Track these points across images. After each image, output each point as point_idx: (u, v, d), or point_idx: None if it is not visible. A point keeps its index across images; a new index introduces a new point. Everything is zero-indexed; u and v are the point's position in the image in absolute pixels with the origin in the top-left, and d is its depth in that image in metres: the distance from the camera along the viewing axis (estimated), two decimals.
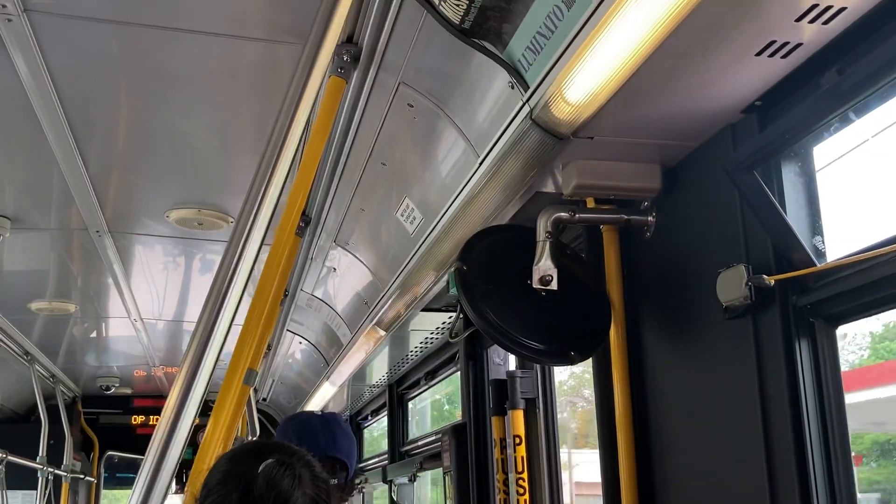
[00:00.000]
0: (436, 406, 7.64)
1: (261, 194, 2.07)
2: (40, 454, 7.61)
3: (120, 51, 3.01)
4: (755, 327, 2.26)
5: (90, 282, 5.80)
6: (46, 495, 7.86)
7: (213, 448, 2.42)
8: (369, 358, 6.03)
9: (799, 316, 2.19)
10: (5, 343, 6.59)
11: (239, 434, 5.17)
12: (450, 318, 4.80)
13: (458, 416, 5.76)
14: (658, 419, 2.70)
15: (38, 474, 7.68)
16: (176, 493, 2.00)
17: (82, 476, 9.22)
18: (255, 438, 5.34)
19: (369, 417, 8.48)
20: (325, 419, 2.92)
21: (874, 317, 2.20)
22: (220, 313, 1.95)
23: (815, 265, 2.15)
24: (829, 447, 2.10)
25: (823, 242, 2.23)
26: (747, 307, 2.23)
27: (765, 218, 2.22)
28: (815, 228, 2.25)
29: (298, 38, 2.82)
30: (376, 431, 8.71)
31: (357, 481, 2.93)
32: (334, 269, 5.15)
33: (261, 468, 1.77)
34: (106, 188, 4.08)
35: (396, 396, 6.98)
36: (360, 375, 6.86)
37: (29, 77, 2.98)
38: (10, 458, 6.43)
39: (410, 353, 6.00)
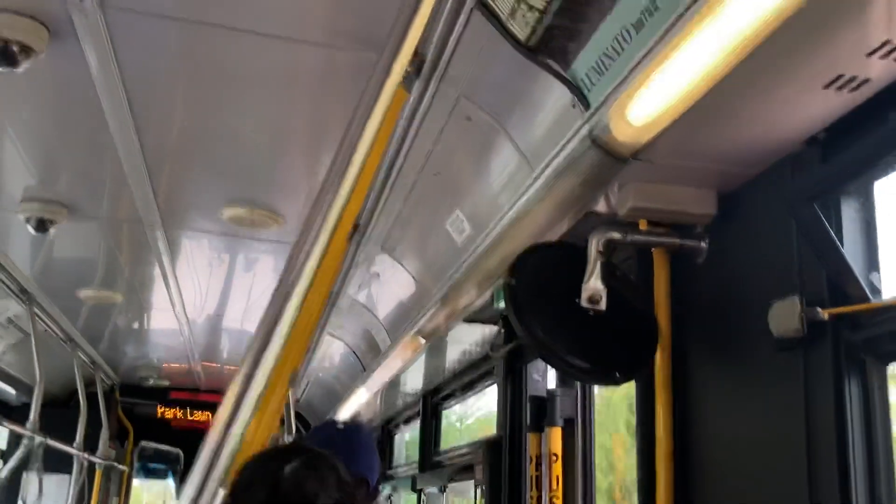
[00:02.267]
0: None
1: (328, 201, 2.10)
2: (77, 440, 7.70)
3: (185, 48, 3.06)
4: (805, 360, 2.24)
5: (137, 273, 5.88)
6: (81, 480, 7.96)
7: (254, 448, 2.44)
8: (407, 366, 6.04)
9: (850, 352, 2.17)
10: (50, 328, 6.69)
11: (275, 434, 5.20)
12: (490, 331, 4.80)
13: None
14: (699, 447, 2.68)
15: (74, 459, 7.78)
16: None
17: (116, 464, 9.33)
18: (290, 438, 5.37)
19: (401, 425, 8.49)
20: (347, 434, 2.92)
21: None
22: (282, 315, 1.98)
23: (870, 301, 2.13)
24: (875, 486, 2.08)
25: (880, 279, 2.20)
26: (799, 340, 2.21)
27: (821, 250, 2.20)
28: (872, 264, 2.23)
29: (360, 46, 2.85)
30: (408, 438, 8.73)
31: (384, 491, 2.94)
32: (378, 274, 5.18)
33: (287, 470, 1.80)
34: (161, 182, 4.14)
35: (430, 406, 6.98)
36: (395, 382, 6.88)
37: (98, 69, 3.04)
38: (48, 441, 6.52)
39: (448, 364, 6.01)
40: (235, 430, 1.87)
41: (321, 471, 1.84)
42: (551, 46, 2.41)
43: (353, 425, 3.02)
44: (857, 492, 2.08)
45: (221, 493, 1.89)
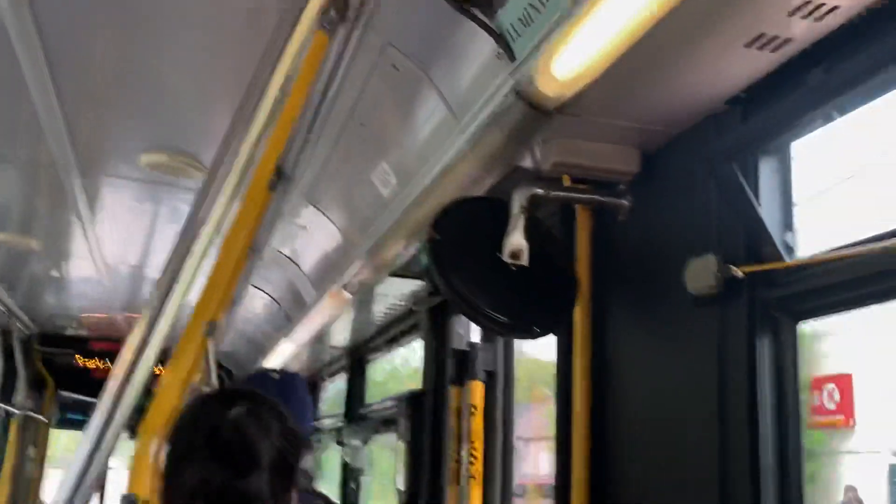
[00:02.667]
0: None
1: (236, 144, 2.04)
2: None
3: None
4: (720, 317, 2.28)
5: (55, 219, 5.70)
6: None
7: (168, 396, 2.40)
8: (332, 320, 6.01)
9: (763, 309, 2.21)
10: None
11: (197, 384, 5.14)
12: (417, 285, 4.79)
13: None
14: (616, 400, 2.72)
15: None
16: (129, 438, 1.98)
17: (33, 414, 9.14)
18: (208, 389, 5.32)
19: (327, 378, 8.48)
20: (282, 382, 2.90)
21: None
22: (186, 262, 1.93)
23: (784, 260, 2.17)
24: (783, 438, 2.13)
25: (794, 238, 2.24)
26: (714, 296, 2.25)
27: (739, 210, 2.23)
28: (787, 224, 2.26)
29: None
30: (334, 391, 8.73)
31: (313, 440, 2.93)
32: (304, 227, 5.11)
33: (229, 414, 1.76)
34: (78, 126, 4.00)
35: (356, 360, 6.98)
36: (321, 336, 6.84)
37: (8, 6, 2.91)
38: None
39: (374, 318, 5.99)
40: (138, 376, 1.83)
41: (264, 418, 1.81)
42: None
43: (289, 374, 2.98)
44: (767, 442, 2.13)
45: (123, 436, 1.85)
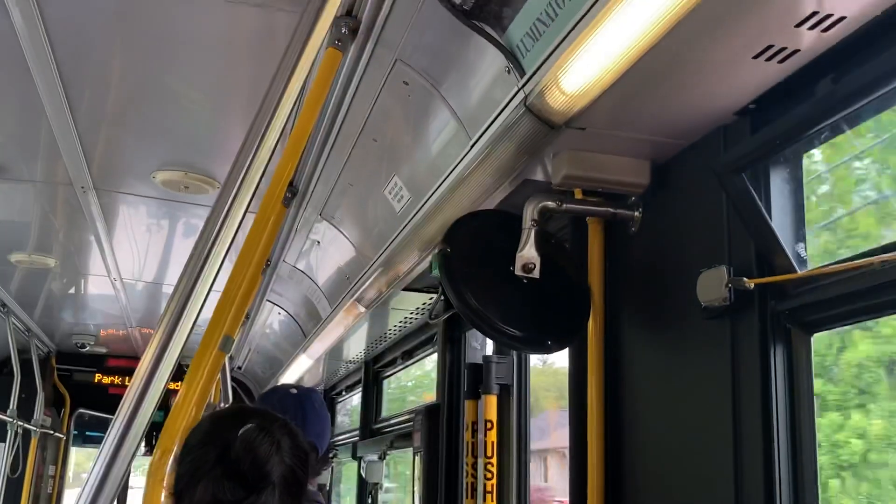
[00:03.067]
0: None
1: (249, 160, 2.06)
2: (11, 407, 7.58)
3: (117, 7, 2.98)
4: (732, 329, 2.27)
5: (72, 237, 5.76)
6: (15, 448, 7.84)
7: (184, 412, 2.42)
8: (347, 333, 6.03)
9: (776, 321, 2.20)
10: None
11: (212, 401, 5.16)
12: (431, 299, 4.80)
13: None
14: (631, 413, 2.71)
15: (8, 427, 7.66)
16: (144, 454, 2.00)
17: (52, 432, 9.20)
18: (226, 406, 5.33)
19: (343, 393, 8.49)
20: (300, 398, 2.91)
21: None
22: (200, 277, 1.94)
23: (796, 272, 2.16)
24: (797, 452, 2.12)
25: (805, 250, 2.24)
26: (726, 308, 2.24)
27: (749, 221, 2.22)
28: (799, 235, 2.26)
29: (297, 7, 2.80)
30: (349, 407, 8.73)
31: (331, 455, 2.93)
32: (318, 242, 5.14)
33: (240, 432, 1.78)
34: (94, 144, 4.05)
35: (372, 374, 6.99)
36: (336, 350, 6.86)
37: (24, 27, 2.95)
38: None
39: (389, 332, 6.01)
40: (151, 393, 1.84)
41: (275, 435, 1.82)
42: (486, 11, 2.39)
43: (306, 390, 2.99)
44: (780, 457, 2.12)
45: (139, 460, 1.87)
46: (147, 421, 1.86)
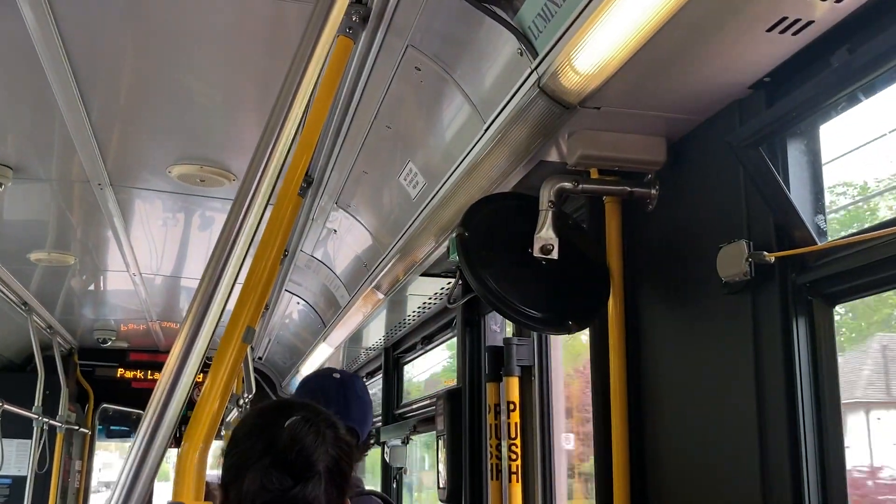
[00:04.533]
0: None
1: (268, 153, 2.06)
2: (36, 404, 7.64)
3: (127, 3, 2.99)
4: (753, 303, 2.27)
5: (90, 234, 5.79)
6: (41, 445, 7.92)
7: (210, 404, 2.43)
8: (366, 321, 6.05)
9: (797, 294, 2.20)
10: (3, 293, 6.59)
11: (235, 392, 5.20)
12: (448, 283, 4.81)
13: None
14: (653, 391, 2.72)
15: (34, 424, 7.73)
16: (172, 447, 2.02)
17: (77, 427, 9.28)
18: (250, 397, 5.37)
19: (364, 380, 8.51)
20: (342, 382, 2.86)
21: None
22: (224, 271, 1.96)
23: (816, 244, 2.16)
24: (822, 423, 2.12)
25: (825, 221, 2.23)
26: (746, 283, 2.24)
27: (768, 195, 2.22)
28: (818, 207, 2.25)
29: None
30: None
31: (371, 441, 2.91)
32: (335, 230, 5.15)
33: (286, 423, 1.82)
34: (109, 141, 4.07)
35: (392, 360, 7.01)
36: (356, 338, 6.89)
37: (35, 26, 2.96)
38: (6, 406, 6.46)
39: (408, 318, 6.02)
40: (181, 388, 1.86)
41: (320, 426, 1.87)
42: None
43: (349, 376, 2.93)
44: (805, 430, 2.12)
45: (168, 450, 1.89)
46: (178, 414, 1.88)
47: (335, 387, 2.83)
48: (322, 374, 2.96)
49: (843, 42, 2.00)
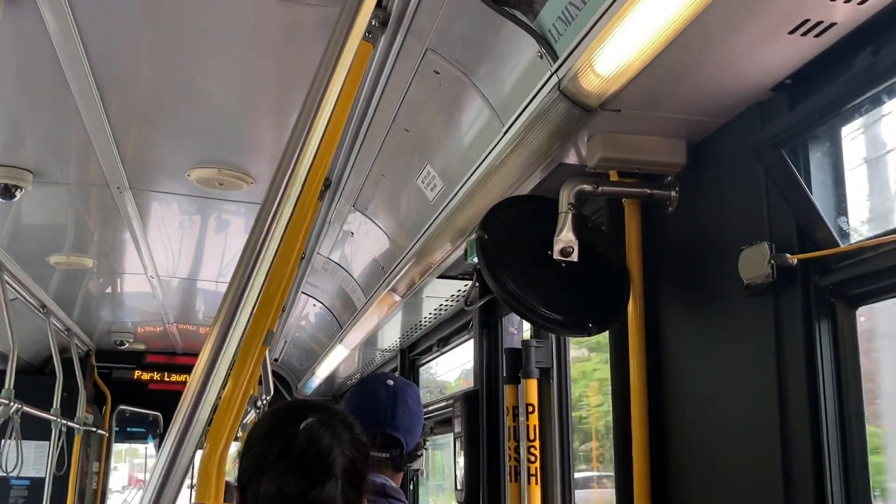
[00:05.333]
0: None
1: (295, 157, 2.07)
2: (54, 406, 7.68)
3: (147, 6, 3.01)
4: (776, 306, 2.27)
5: (108, 237, 5.82)
6: (59, 446, 7.96)
7: (232, 407, 2.45)
8: (383, 323, 6.06)
9: (820, 296, 2.19)
10: (22, 295, 6.63)
11: (253, 393, 5.21)
12: (465, 285, 4.81)
13: None
14: (673, 394, 2.71)
15: (52, 426, 7.77)
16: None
17: (94, 429, 9.33)
18: (268, 398, 5.38)
19: None
20: (393, 391, 2.80)
21: None
22: (254, 275, 1.97)
23: (839, 246, 2.15)
24: (846, 428, 2.11)
25: (848, 223, 2.22)
26: (768, 285, 2.23)
27: (790, 196, 2.21)
28: (840, 209, 2.24)
29: (324, 1, 2.81)
30: None
31: (419, 453, 2.86)
32: (352, 233, 5.16)
33: (302, 425, 1.82)
34: (127, 144, 4.09)
35: (408, 362, 7.02)
36: (372, 340, 6.90)
37: (56, 29, 2.98)
38: (24, 408, 6.50)
39: (424, 320, 6.03)
40: (211, 391, 1.88)
41: (336, 428, 1.87)
42: None
43: (402, 384, 2.87)
44: (828, 434, 2.11)
45: (199, 453, 1.90)
46: (207, 417, 1.89)
47: (386, 394, 2.78)
48: (375, 380, 2.90)
49: (867, 44, 1.99)
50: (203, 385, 1.86)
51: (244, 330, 1.95)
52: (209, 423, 2.32)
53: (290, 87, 3.49)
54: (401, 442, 2.72)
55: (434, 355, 6.58)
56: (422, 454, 2.92)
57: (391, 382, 2.84)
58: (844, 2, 1.91)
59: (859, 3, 1.92)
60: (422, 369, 7.13)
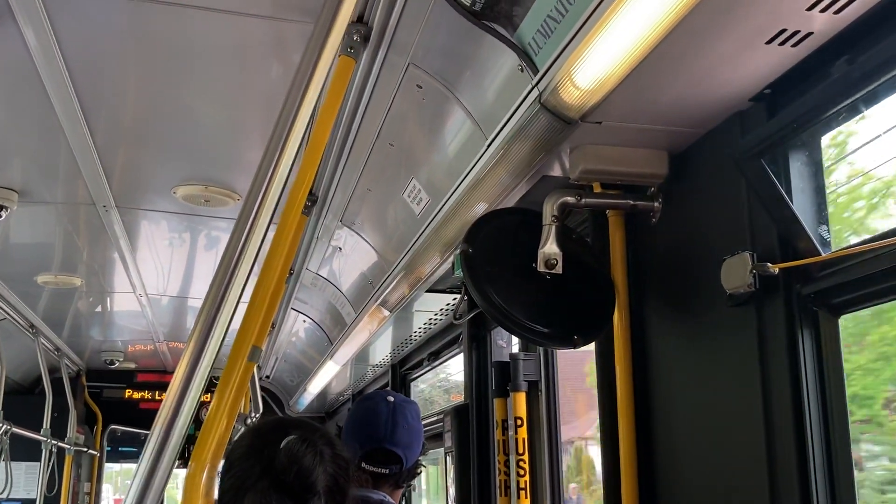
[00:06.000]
0: None
1: (270, 172, 2.07)
2: (44, 426, 7.64)
3: (129, 25, 3.01)
4: (759, 315, 2.27)
5: (96, 256, 5.81)
6: (50, 467, 7.92)
7: (217, 424, 2.43)
8: (373, 338, 6.05)
9: (802, 305, 2.19)
10: (11, 315, 6.61)
11: (242, 411, 5.19)
12: (454, 299, 4.81)
13: None
14: (660, 404, 2.71)
15: (42, 446, 7.73)
16: (178, 467, 2.02)
17: (85, 449, 9.28)
18: (257, 416, 5.37)
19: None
20: (393, 409, 2.81)
21: None
22: (228, 290, 1.96)
23: (820, 254, 2.16)
24: (830, 436, 2.11)
25: (828, 232, 2.23)
26: (751, 295, 2.24)
27: (771, 206, 2.22)
28: (821, 218, 2.25)
29: (307, 17, 2.81)
30: None
31: (418, 471, 2.86)
32: (340, 248, 5.16)
33: (283, 444, 1.81)
34: (113, 163, 4.08)
35: (399, 376, 7.00)
36: (363, 355, 6.89)
37: (38, 49, 2.98)
38: (14, 429, 6.46)
39: (414, 334, 6.03)
40: (186, 408, 1.86)
41: (317, 445, 1.86)
42: (496, 10, 2.40)
43: (402, 401, 2.89)
44: (813, 441, 2.11)
45: (175, 471, 1.89)
46: (183, 435, 1.88)
47: (386, 411, 2.79)
48: (376, 396, 2.90)
49: (843, 53, 2.01)
50: (178, 402, 1.85)
51: (220, 346, 1.94)
52: (193, 441, 2.31)
53: (276, 104, 3.45)
54: (400, 458, 2.73)
55: (425, 370, 6.57)
56: (420, 471, 2.92)
57: (392, 399, 2.86)
58: (820, 11, 1.92)
59: (835, 13, 1.93)
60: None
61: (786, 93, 2.23)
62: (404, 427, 2.78)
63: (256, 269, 2.37)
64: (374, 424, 2.74)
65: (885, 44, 1.80)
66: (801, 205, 2.23)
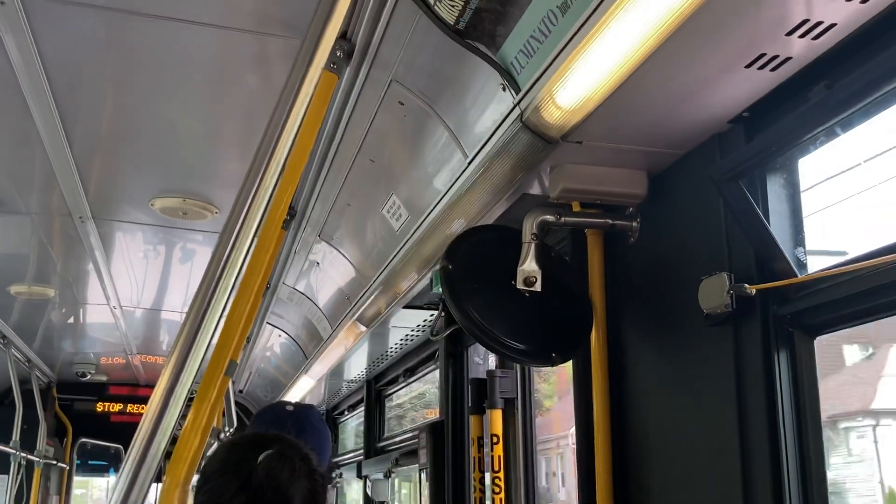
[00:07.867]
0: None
1: (255, 187, 2.07)
2: (13, 439, 7.56)
3: (111, 37, 3.00)
4: (735, 335, 2.29)
5: (70, 267, 5.77)
6: (18, 480, 7.82)
7: (192, 439, 2.42)
8: (348, 353, 6.04)
9: (779, 326, 2.21)
10: None
11: (216, 425, 5.15)
12: (431, 315, 4.81)
13: None
14: (636, 423, 2.72)
15: (11, 459, 7.64)
16: (154, 482, 2.01)
17: (55, 462, 9.17)
18: (231, 430, 5.32)
19: (346, 412, 8.48)
20: (296, 415, 2.89)
21: None
22: (211, 305, 1.95)
23: (797, 276, 2.18)
24: (805, 457, 2.13)
25: (805, 254, 2.25)
26: (728, 315, 2.25)
27: (748, 228, 2.24)
28: (798, 240, 2.28)
29: (289, 32, 2.83)
30: (352, 426, 8.71)
31: (333, 476, 2.94)
32: (317, 263, 5.15)
33: (260, 459, 1.80)
34: (90, 174, 4.07)
35: (374, 392, 6.99)
36: (338, 370, 6.86)
37: (19, 60, 2.97)
38: None
39: (390, 350, 6.01)
40: (166, 423, 1.85)
41: (294, 461, 1.85)
42: (480, 30, 2.42)
43: (304, 407, 2.98)
44: (788, 462, 2.13)
45: (153, 487, 1.87)
46: (162, 451, 1.87)
47: (290, 419, 2.85)
48: (276, 407, 3.01)
49: (821, 78, 2.03)
50: (158, 417, 1.83)
51: (201, 360, 1.93)
52: (168, 455, 2.29)
53: (256, 118, 3.48)
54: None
55: (400, 386, 6.55)
56: (336, 479, 3.01)
57: (291, 408, 2.97)
58: (800, 37, 1.95)
59: (814, 39, 1.96)
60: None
61: (764, 116, 2.26)
62: (311, 431, 2.85)
63: (236, 284, 2.37)
64: (282, 430, 2.79)
65: (862, 70, 1.82)
66: (778, 227, 2.25)
